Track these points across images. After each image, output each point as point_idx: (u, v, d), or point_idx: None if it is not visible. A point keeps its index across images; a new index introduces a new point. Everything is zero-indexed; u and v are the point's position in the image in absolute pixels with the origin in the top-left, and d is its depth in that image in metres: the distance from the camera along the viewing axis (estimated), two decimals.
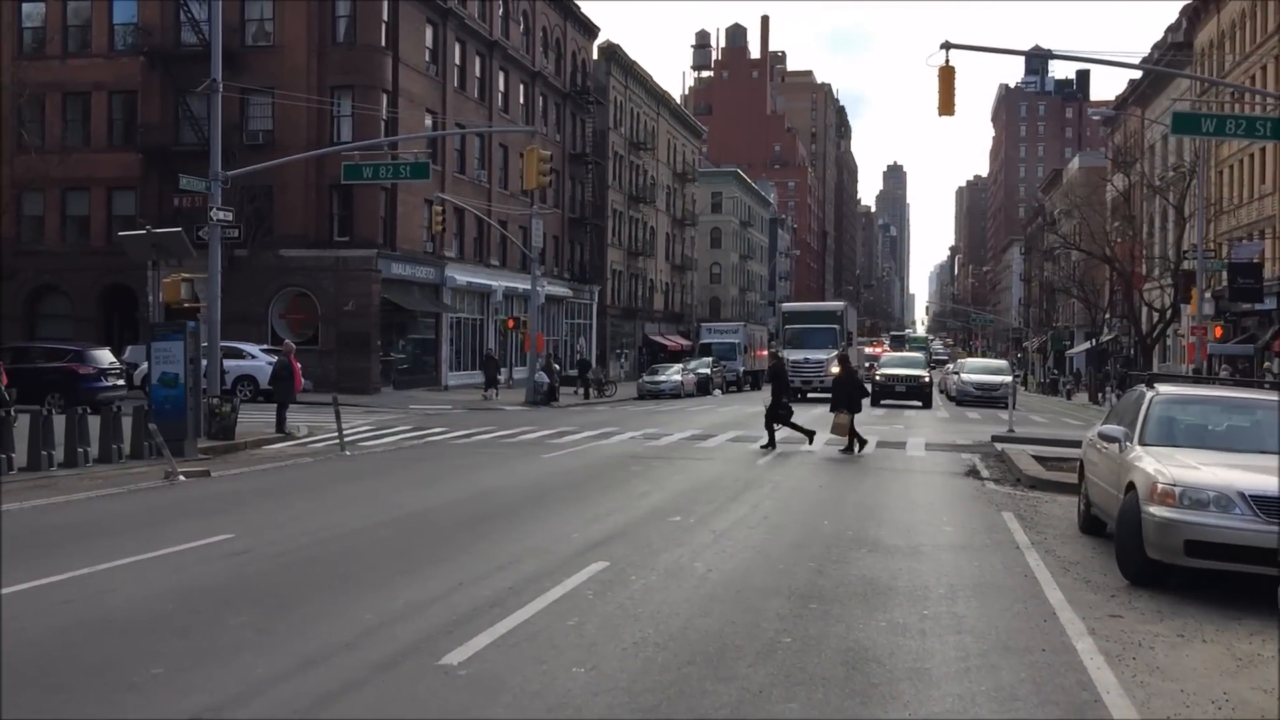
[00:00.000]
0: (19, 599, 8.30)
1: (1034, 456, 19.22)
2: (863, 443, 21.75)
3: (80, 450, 18.11)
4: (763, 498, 14.99)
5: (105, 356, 30.52)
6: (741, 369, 63.83)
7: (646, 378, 52.52)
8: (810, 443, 22.40)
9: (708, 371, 56.13)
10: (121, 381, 30.93)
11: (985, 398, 43.54)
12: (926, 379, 41.20)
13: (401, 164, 24.97)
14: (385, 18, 43.47)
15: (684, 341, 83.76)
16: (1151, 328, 44.58)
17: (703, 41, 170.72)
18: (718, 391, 56.81)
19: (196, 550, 10.53)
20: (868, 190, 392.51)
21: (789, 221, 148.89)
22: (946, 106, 20.66)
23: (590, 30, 67.61)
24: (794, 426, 22.53)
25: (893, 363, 44.08)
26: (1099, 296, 62.27)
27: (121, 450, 19.01)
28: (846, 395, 22.18)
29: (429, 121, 46.84)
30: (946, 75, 20.80)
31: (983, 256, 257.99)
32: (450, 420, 30.74)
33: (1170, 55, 63.98)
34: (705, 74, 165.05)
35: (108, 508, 13.83)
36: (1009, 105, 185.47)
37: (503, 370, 53.05)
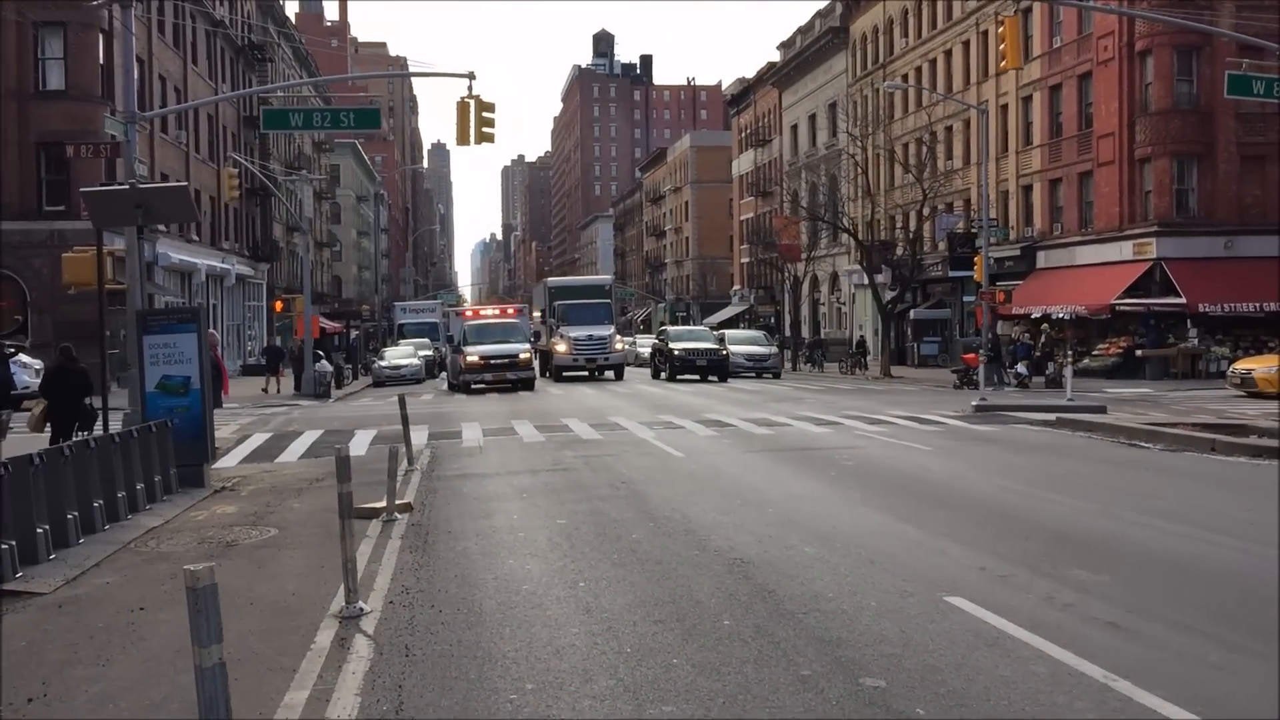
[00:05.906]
0: None
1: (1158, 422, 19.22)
2: None
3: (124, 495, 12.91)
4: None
5: None
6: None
7: (381, 362, 48.01)
8: None
9: (431, 354, 52.64)
10: None
11: (756, 368, 43.91)
12: (724, 352, 40.95)
13: (342, 110, 20.20)
14: None
15: (334, 325, 77.92)
16: (893, 299, 47.20)
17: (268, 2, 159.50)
18: (443, 374, 53.36)
19: None
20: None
21: (385, 197, 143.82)
22: (1014, 59, 20.05)
23: None
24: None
25: (684, 336, 43.19)
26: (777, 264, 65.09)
27: (168, 484, 13.96)
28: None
29: (136, 71, 39.56)
30: (1013, 27, 20.20)
31: (546, 234, 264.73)
32: (309, 419, 25.96)
33: (828, 39, 68.16)
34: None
35: None
36: (583, 86, 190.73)
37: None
